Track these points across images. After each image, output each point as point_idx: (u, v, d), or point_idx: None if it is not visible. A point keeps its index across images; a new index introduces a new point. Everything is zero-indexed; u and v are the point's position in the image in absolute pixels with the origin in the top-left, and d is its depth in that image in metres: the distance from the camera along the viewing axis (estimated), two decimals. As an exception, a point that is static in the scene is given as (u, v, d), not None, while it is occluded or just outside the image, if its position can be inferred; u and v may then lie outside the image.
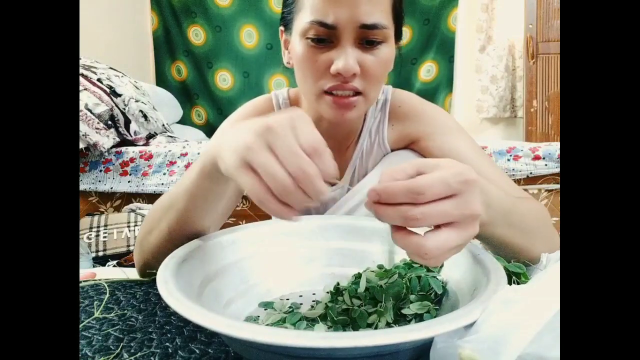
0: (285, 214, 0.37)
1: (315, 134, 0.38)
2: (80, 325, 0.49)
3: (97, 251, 1.32)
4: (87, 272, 0.67)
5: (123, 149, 1.58)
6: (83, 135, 1.49)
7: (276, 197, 0.37)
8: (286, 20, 0.68)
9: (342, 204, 0.73)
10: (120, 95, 1.76)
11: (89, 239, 1.34)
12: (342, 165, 0.77)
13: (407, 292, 0.46)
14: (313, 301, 0.51)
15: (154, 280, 0.63)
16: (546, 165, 1.34)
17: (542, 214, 0.60)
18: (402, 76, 2.74)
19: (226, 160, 0.40)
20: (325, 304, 0.48)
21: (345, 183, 0.77)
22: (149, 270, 0.61)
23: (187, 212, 0.52)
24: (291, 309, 0.48)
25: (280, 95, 0.79)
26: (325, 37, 0.60)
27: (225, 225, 0.56)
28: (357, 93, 0.63)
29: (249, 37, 2.81)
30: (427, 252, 0.36)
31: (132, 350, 0.44)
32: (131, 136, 1.69)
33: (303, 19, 0.61)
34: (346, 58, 0.59)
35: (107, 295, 0.58)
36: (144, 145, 1.69)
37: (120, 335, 0.47)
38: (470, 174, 0.38)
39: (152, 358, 0.43)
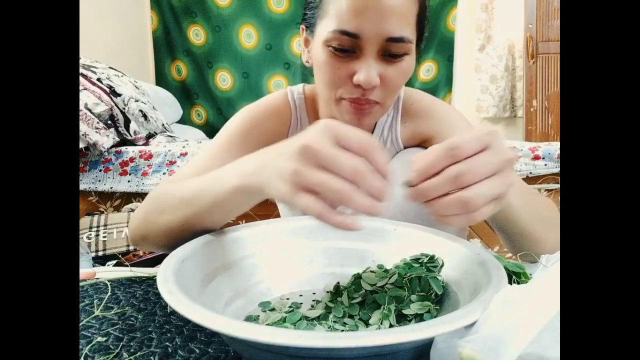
0: (347, 224, 0.38)
1: (355, 132, 0.39)
2: (80, 325, 0.49)
3: (96, 251, 1.32)
4: (87, 271, 0.67)
5: (123, 148, 1.58)
6: (83, 134, 1.49)
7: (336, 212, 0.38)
8: (308, 22, 0.67)
9: None
10: (120, 95, 1.76)
11: (89, 238, 1.34)
12: None
13: (407, 292, 0.46)
14: (313, 301, 0.51)
15: (155, 279, 0.63)
16: (546, 165, 1.34)
17: (553, 206, 0.62)
18: (402, 76, 2.73)
19: (279, 189, 0.41)
20: (325, 303, 0.49)
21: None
22: (144, 243, 0.62)
23: (209, 215, 0.52)
24: (291, 309, 0.48)
25: (295, 91, 0.78)
26: (348, 48, 0.60)
27: (225, 225, 0.56)
28: (375, 102, 0.63)
29: (248, 37, 2.81)
30: (473, 200, 0.38)
31: (132, 350, 0.44)
32: (131, 136, 1.69)
33: (327, 27, 0.60)
34: (368, 71, 0.59)
35: (109, 293, 0.58)
36: (143, 145, 1.69)
37: (120, 335, 0.47)
38: (489, 128, 0.41)
39: (151, 357, 0.43)
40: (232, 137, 0.72)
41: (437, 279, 0.47)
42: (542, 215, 0.56)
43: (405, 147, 0.77)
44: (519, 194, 0.51)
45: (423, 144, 0.76)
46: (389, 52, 0.60)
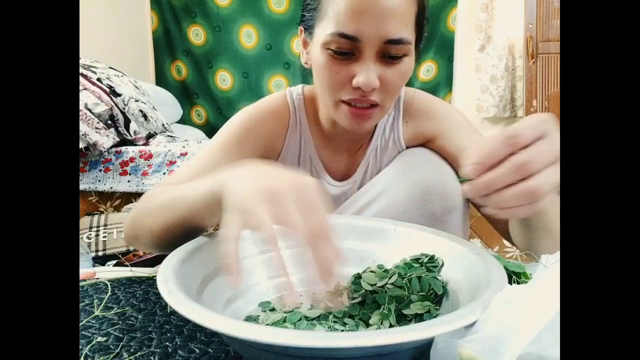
0: (232, 278, 0.38)
1: (318, 215, 0.39)
2: (80, 325, 0.49)
3: (96, 251, 1.32)
4: (87, 271, 0.67)
5: (123, 148, 1.58)
6: (83, 134, 1.49)
7: (236, 260, 0.38)
8: (307, 24, 0.67)
9: (353, 201, 0.73)
10: (120, 95, 1.76)
11: (89, 238, 1.34)
12: (355, 162, 0.78)
13: (407, 292, 0.46)
14: (313, 301, 0.51)
15: (155, 279, 0.63)
16: (546, 165, 1.33)
17: None
18: (402, 76, 2.73)
19: (227, 200, 0.41)
20: (325, 303, 0.48)
21: (357, 180, 0.77)
22: (135, 243, 0.63)
23: (184, 220, 0.53)
24: (292, 309, 0.48)
25: (294, 92, 0.78)
26: (347, 51, 0.60)
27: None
28: (374, 104, 0.63)
29: (248, 37, 2.80)
30: (540, 189, 0.38)
31: (132, 350, 0.44)
32: (131, 136, 1.69)
33: (326, 30, 0.60)
34: (368, 74, 0.59)
35: (109, 293, 0.58)
36: (143, 145, 1.69)
37: (120, 335, 0.47)
38: (543, 115, 0.40)
39: (151, 357, 0.43)
40: (230, 138, 0.72)
41: (437, 279, 0.47)
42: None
43: (407, 147, 0.77)
44: None
45: (427, 143, 0.76)
46: (388, 54, 0.60)
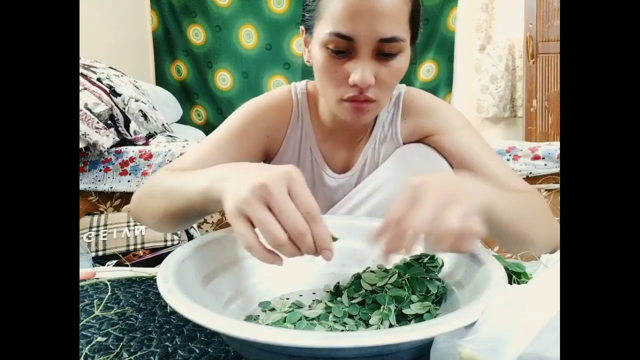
0: (272, 261, 0.42)
1: (310, 198, 0.42)
2: (80, 325, 0.49)
3: (96, 251, 1.32)
4: (87, 271, 0.67)
5: (123, 148, 1.58)
6: (83, 134, 1.49)
7: (263, 246, 0.42)
8: (307, 24, 0.69)
9: (352, 196, 0.76)
10: (120, 95, 1.76)
11: (89, 238, 1.34)
12: (354, 155, 0.80)
13: (407, 292, 0.46)
14: (313, 301, 0.51)
15: (155, 279, 0.63)
16: (546, 165, 1.34)
17: (540, 203, 0.64)
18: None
19: (227, 206, 0.44)
20: (325, 303, 0.49)
21: (355, 173, 0.80)
22: (139, 221, 0.69)
23: (182, 210, 0.57)
24: (291, 309, 0.48)
25: (298, 87, 0.81)
26: (344, 50, 0.62)
27: (225, 225, 0.57)
28: (372, 100, 0.66)
29: (247, 37, 2.80)
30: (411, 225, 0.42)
31: (132, 350, 0.44)
32: (131, 136, 1.68)
33: (323, 30, 0.63)
34: (363, 71, 0.62)
35: (109, 293, 0.58)
36: (143, 144, 1.68)
37: (120, 335, 0.47)
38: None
39: (151, 357, 0.43)
40: (236, 128, 0.76)
41: (432, 279, 0.47)
42: (524, 213, 0.57)
43: (404, 144, 0.79)
44: (500, 197, 0.52)
45: (424, 140, 0.78)
46: (383, 51, 0.62)
